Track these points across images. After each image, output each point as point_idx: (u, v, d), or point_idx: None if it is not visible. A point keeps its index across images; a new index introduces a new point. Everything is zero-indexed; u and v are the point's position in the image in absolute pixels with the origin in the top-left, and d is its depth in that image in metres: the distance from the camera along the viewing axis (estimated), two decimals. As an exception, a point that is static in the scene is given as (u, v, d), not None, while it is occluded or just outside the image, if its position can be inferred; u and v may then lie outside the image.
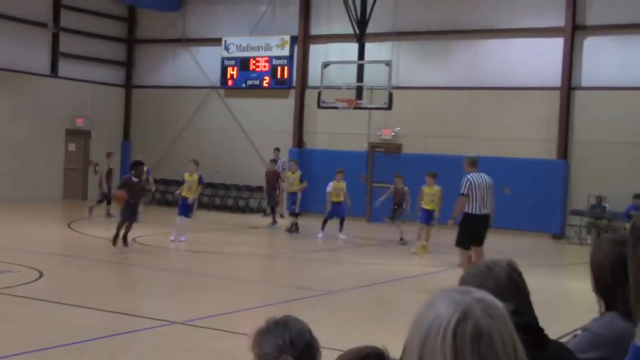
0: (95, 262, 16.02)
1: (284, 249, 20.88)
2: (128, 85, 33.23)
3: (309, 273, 16.59)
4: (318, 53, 28.54)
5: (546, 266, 18.21)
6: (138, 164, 18.34)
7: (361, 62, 24.44)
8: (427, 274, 16.29)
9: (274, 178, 25.17)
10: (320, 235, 21.83)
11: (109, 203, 24.12)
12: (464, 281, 2.82)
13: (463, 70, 26.34)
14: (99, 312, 10.74)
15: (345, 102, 23.88)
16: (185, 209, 19.10)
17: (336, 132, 28.06)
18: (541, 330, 2.88)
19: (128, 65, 33.22)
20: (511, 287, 2.82)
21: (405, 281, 15.28)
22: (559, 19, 24.78)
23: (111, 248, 16.94)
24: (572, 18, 24.57)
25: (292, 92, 29.29)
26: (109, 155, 25.35)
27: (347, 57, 25.88)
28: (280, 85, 29.46)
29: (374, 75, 24.42)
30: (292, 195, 23.39)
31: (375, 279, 15.12)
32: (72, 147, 31.23)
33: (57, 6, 30.18)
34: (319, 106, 24.88)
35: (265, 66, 29.71)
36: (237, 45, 30.22)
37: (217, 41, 30.66)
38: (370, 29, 24.86)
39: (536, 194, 24.64)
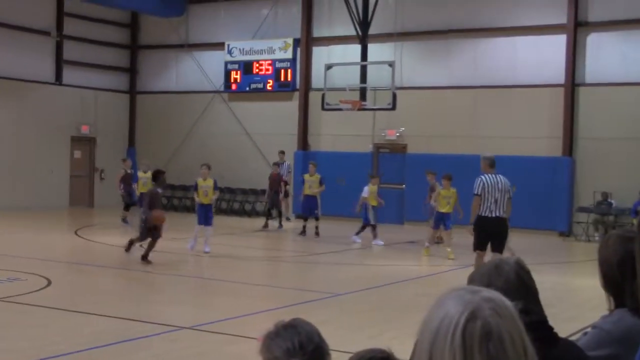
0: (102, 269, 16.05)
1: (291, 252, 20.89)
2: (132, 92, 33.29)
3: (316, 275, 16.59)
4: (321, 55, 28.56)
5: (554, 264, 18.20)
6: (161, 174, 17.14)
7: (364, 63, 24.43)
8: (435, 275, 16.27)
9: (277, 181, 25.04)
10: (358, 240, 21.29)
11: (125, 208, 24.03)
12: (472, 280, 2.81)
13: (466, 70, 26.33)
14: (108, 319, 10.76)
15: (349, 104, 23.87)
16: (206, 217, 18.24)
17: (341, 133, 28.06)
18: (551, 328, 2.87)
19: (132, 71, 33.29)
20: (520, 285, 2.81)
21: (412, 282, 15.28)
22: (561, 16, 24.76)
23: (139, 262, 16.07)
24: (574, 15, 24.54)
25: (296, 94, 29.30)
26: (124, 160, 25.41)
27: (350, 59, 25.87)
28: (283, 88, 29.47)
29: (377, 76, 24.41)
30: (311, 199, 22.71)
31: (383, 281, 15.10)
32: (77, 154, 31.30)
33: (60, 14, 30.26)
34: (323, 108, 24.89)
35: (268, 69, 29.73)
36: (240, 49, 30.25)
37: (220, 45, 30.70)
38: (373, 30, 24.86)
39: (542, 191, 24.60)
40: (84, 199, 31.34)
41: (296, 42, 29.28)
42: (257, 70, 29.93)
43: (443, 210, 18.98)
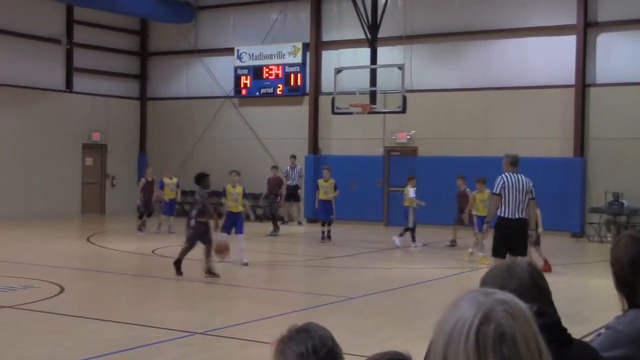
0: (115, 275, 16.07)
1: (303, 256, 20.87)
2: (143, 98, 33.38)
3: (328, 279, 16.57)
4: (330, 59, 28.58)
5: (567, 265, 18.14)
6: (205, 177, 15.77)
7: (374, 66, 24.41)
8: (448, 277, 16.23)
9: (276, 185, 24.90)
10: (420, 244, 21.08)
11: (140, 217, 23.94)
12: (484, 283, 2.80)
13: (476, 71, 26.28)
14: (121, 325, 10.78)
15: (359, 107, 23.86)
16: (236, 226, 17.15)
17: (351, 137, 28.05)
18: (565, 330, 2.86)
19: (142, 77, 33.38)
20: (533, 287, 2.80)
21: (424, 285, 15.25)
22: (570, 17, 24.70)
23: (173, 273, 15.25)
24: (583, 15, 24.48)
25: (306, 98, 29.31)
26: (147, 168, 25.35)
27: (360, 62, 25.88)
28: (293, 93, 29.49)
29: (387, 79, 24.41)
30: (327, 204, 22.43)
31: (396, 284, 15.07)
32: (89, 161, 31.39)
33: (70, 22, 30.39)
34: (333, 112, 24.90)
35: (278, 74, 29.76)
36: (249, 54, 30.29)
37: (229, 51, 30.76)
38: (382, 33, 24.84)
39: (554, 192, 24.50)
40: (95, 206, 31.43)
41: (305, 47, 29.30)
42: (266, 75, 29.96)
43: (481, 214, 18.45)
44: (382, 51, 25.20)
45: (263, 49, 30.01)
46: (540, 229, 16.54)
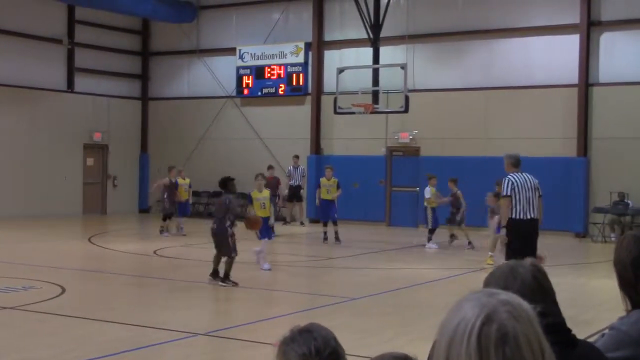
0: (117, 276, 16.07)
1: (305, 256, 20.86)
2: (144, 98, 33.39)
3: (331, 280, 16.55)
4: (333, 59, 28.59)
5: (570, 265, 18.11)
6: (230, 181, 14.99)
7: (376, 66, 24.41)
8: (451, 277, 16.21)
9: (273, 185, 24.76)
10: (434, 246, 20.90)
11: (164, 219, 23.62)
12: (487, 284, 2.78)
13: (479, 71, 26.27)
14: (123, 326, 10.76)
15: (361, 107, 23.86)
16: (267, 231, 16.75)
17: (353, 137, 28.05)
18: (569, 330, 2.84)
19: (143, 77, 33.39)
20: (537, 287, 2.78)
21: (427, 285, 15.24)
22: (574, 16, 24.68)
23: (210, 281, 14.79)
24: (587, 14, 24.46)
25: (308, 98, 29.31)
26: (170, 169, 24.27)
27: (362, 62, 25.88)
28: (295, 93, 29.49)
29: (389, 79, 24.41)
30: (330, 203, 22.13)
31: (399, 284, 15.06)
32: (90, 161, 31.41)
33: (71, 22, 30.43)
34: (335, 112, 24.89)
35: (280, 74, 29.76)
36: (251, 54, 30.30)
37: (231, 51, 30.77)
38: (384, 32, 24.84)
39: (558, 192, 24.45)
40: (96, 206, 31.45)
41: (307, 46, 29.30)
42: (268, 74, 29.96)
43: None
44: (384, 51, 25.19)
45: (265, 48, 30.02)
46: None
